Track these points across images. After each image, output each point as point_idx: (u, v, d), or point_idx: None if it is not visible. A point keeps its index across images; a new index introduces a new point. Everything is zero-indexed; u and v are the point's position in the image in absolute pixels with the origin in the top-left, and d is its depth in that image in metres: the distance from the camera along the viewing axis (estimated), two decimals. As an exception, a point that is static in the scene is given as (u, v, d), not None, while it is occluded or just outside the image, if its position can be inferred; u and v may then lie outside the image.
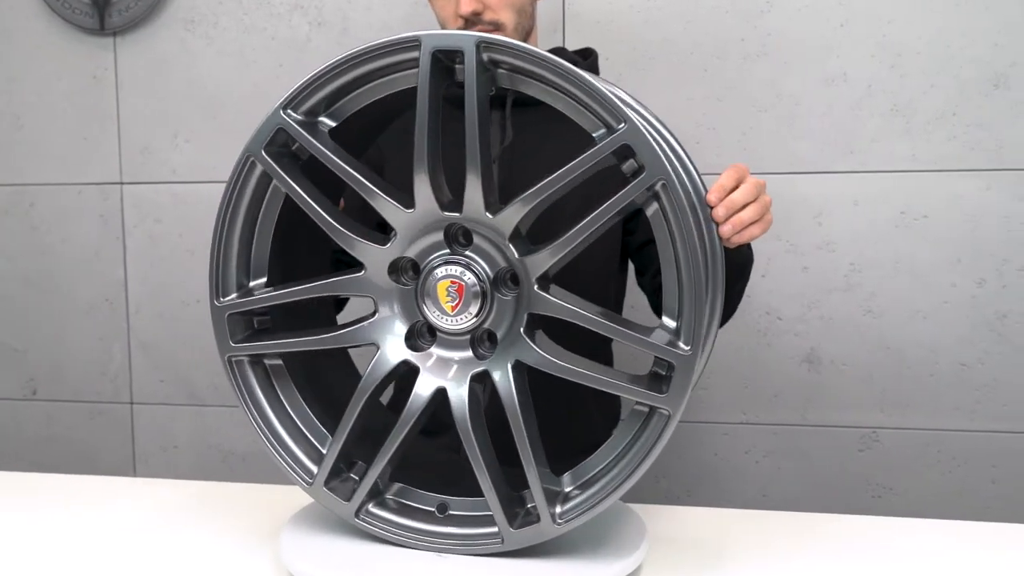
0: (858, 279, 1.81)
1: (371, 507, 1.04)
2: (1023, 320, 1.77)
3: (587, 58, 1.45)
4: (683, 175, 0.91)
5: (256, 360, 1.07)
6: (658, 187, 0.90)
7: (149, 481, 1.39)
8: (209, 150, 2.03)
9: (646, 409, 0.96)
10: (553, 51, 1.46)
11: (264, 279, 1.06)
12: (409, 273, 1.02)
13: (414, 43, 0.94)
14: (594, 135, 0.96)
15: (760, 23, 1.80)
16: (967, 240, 1.77)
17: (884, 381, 1.82)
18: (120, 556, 1.09)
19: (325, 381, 1.14)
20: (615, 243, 1.40)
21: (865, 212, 1.79)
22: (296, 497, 1.23)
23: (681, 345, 0.92)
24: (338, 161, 1.00)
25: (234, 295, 1.05)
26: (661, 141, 0.94)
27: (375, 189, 0.99)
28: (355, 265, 1.04)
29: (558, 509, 0.97)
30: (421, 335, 1.04)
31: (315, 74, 0.99)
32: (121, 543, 1.13)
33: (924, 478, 1.84)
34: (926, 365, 1.81)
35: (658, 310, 1.38)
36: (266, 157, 1.01)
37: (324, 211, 1.01)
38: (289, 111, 1.00)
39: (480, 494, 1.00)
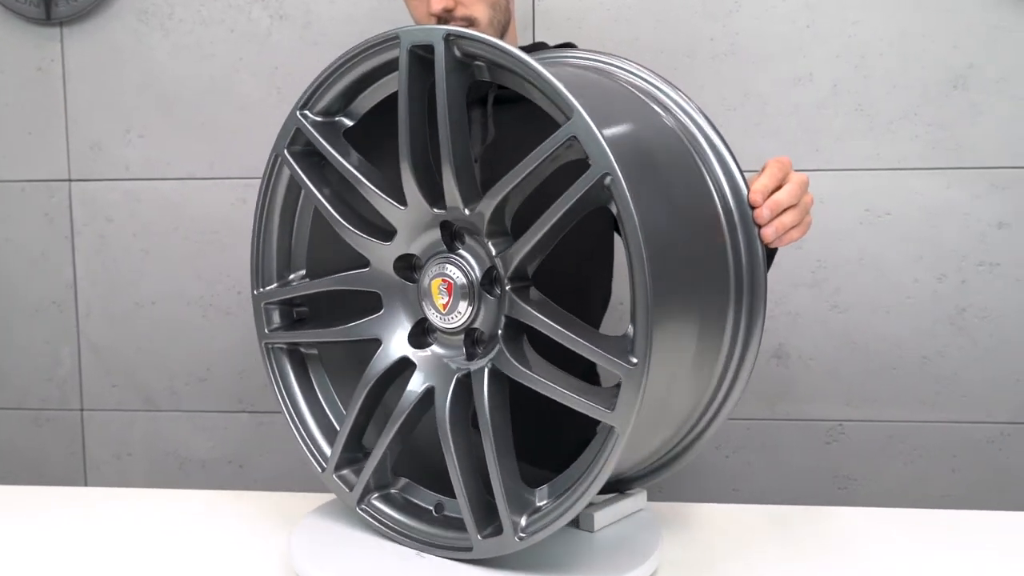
0: (824, 275, 1.84)
1: (375, 499, 1.04)
2: (981, 314, 1.83)
3: None
4: (722, 176, 0.91)
5: (293, 348, 1.11)
6: (607, 182, 0.81)
7: (134, 491, 1.33)
8: (164, 146, 1.96)
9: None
10: (533, 46, 1.45)
11: (303, 271, 1.11)
12: (416, 270, 1.02)
13: (394, 40, 0.93)
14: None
15: (729, 23, 1.82)
16: (928, 237, 1.82)
17: (850, 375, 1.86)
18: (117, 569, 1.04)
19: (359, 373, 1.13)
20: (600, 237, 1.40)
21: (831, 210, 1.82)
22: (294, 504, 1.21)
23: (631, 358, 0.82)
24: (339, 158, 1.00)
25: (274, 286, 1.10)
26: (701, 136, 0.94)
27: (371, 187, 0.98)
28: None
29: (524, 521, 0.92)
30: (428, 331, 1.03)
31: (320, 76, 1.00)
32: (117, 554, 1.08)
33: (887, 469, 1.88)
34: (890, 359, 1.85)
35: None
36: (288, 156, 1.03)
37: (331, 207, 1.01)
38: (305, 111, 1.02)
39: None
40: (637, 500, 1.08)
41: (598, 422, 0.89)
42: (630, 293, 0.83)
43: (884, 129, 1.81)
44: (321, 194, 1.02)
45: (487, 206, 0.90)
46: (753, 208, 0.97)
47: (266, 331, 1.11)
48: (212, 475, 2.04)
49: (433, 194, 0.95)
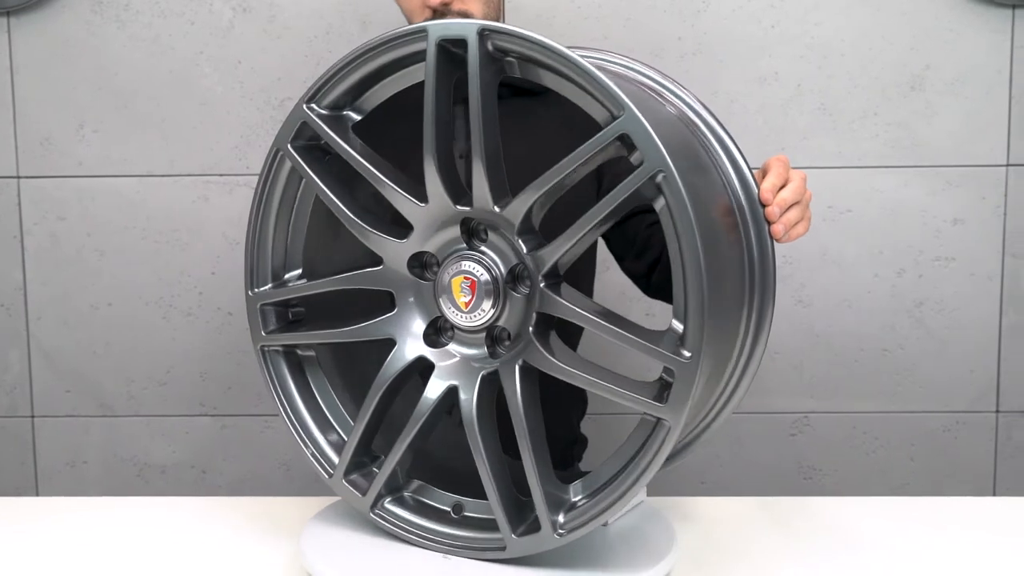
0: (790, 271, 1.89)
1: (388, 503, 1.03)
2: (937, 308, 1.89)
3: None
4: (731, 171, 0.92)
5: (289, 351, 1.08)
6: (659, 179, 0.84)
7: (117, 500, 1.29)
8: (119, 142, 1.89)
9: (651, 418, 0.90)
10: None
11: (299, 271, 1.07)
12: (434, 268, 1.00)
13: (421, 34, 0.92)
14: (604, 125, 0.94)
15: (697, 22, 1.84)
16: (888, 233, 1.88)
17: (814, 368, 1.91)
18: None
19: (359, 373, 1.10)
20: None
21: (796, 206, 1.86)
22: (281, 509, 1.19)
23: (683, 351, 0.84)
24: (353, 154, 0.98)
25: (268, 286, 1.06)
26: (708, 131, 0.95)
27: (388, 182, 0.96)
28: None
29: (561, 518, 0.93)
30: (442, 331, 1.01)
31: (331, 69, 0.97)
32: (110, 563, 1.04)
33: (850, 459, 1.94)
34: (852, 352, 1.91)
35: (656, 293, 1.38)
36: (291, 151, 0.99)
37: (342, 204, 0.99)
38: (312, 105, 0.98)
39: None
40: (639, 492, 1.09)
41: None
42: (677, 289, 0.84)
43: (846, 128, 1.86)
44: (331, 191, 1.00)
45: (522, 204, 0.90)
46: (764, 206, 0.99)
47: (263, 333, 1.07)
48: (173, 481, 1.98)
49: (456, 191, 0.94)
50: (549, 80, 0.92)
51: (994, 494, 1.92)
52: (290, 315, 1.09)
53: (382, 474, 1.00)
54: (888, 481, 1.93)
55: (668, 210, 0.83)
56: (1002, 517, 1.15)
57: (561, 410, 1.42)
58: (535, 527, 0.93)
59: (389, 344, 1.01)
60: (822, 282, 1.89)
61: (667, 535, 1.02)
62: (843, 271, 1.89)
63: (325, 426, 1.08)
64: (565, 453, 1.46)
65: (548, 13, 1.84)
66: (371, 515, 1.02)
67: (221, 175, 1.90)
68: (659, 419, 0.87)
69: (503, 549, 0.94)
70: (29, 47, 1.87)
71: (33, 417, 1.96)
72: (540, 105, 1.34)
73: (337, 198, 0.99)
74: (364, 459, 1.05)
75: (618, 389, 0.87)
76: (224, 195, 1.90)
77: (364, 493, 1.02)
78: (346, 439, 1.04)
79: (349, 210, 0.99)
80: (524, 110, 1.34)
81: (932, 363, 1.91)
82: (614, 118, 0.85)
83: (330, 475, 1.04)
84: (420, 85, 0.94)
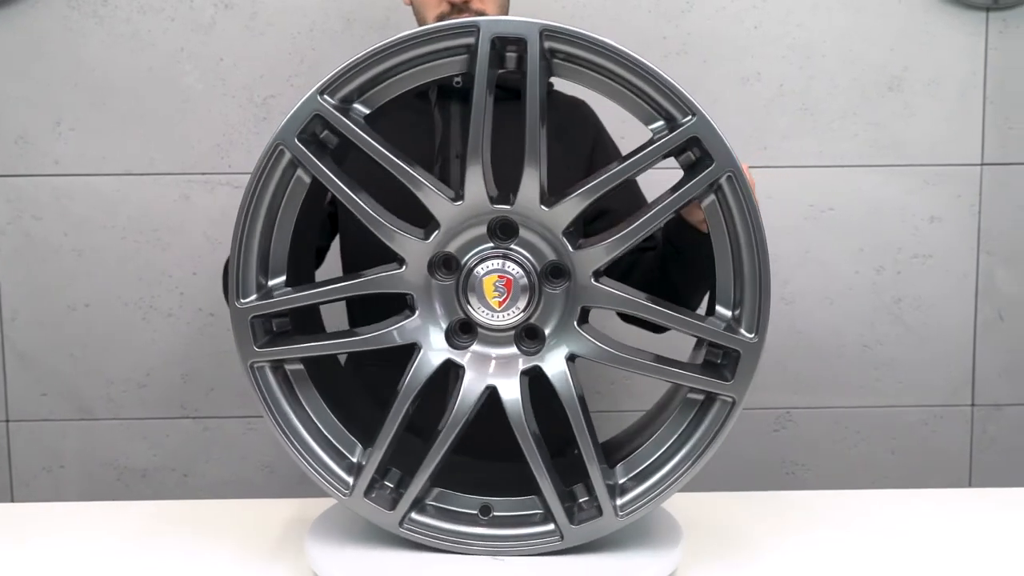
0: (774, 268, 1.89)
1: (413, 514, 1.00)
2: (915, 304, 1.93)
3: None
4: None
5: (276, 366, 0.99)
6: (723, 180, 0.93)
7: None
8: (97, 140, 1.85)
9: (700, 398, 0.98)
10: None
11: (283, 278, 0.99)
12: (442, 269, 0.98)
13: (471, 29, 0.91)
14: (649, 127, 0.96)
15: (681, 22, 1.86)
16: (868, 231, 1.91)
17: (796, 364, 1.94)
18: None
19: (341, 384, 1.09)
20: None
21: (778, 205, 1.89)
22: (273, 511, 1.17)
23: (744, 332, 0.95)
24: (382, 150, 0.95)
25: (254, 296, 0.97)
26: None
27: (421, 179, 0.95)
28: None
29: (618, 502, 0.97)
30: (459, 333, 1.00)
31: (360, 57, 0.93)
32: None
33: (832, 453, 1.97)
34: (833, 347, 1.94)
35: (631, 318, 1.39)
36: (300, 146, 0.94)
37: (363, 202, 0.96)
38: (325, 96, 0.94)
39: (521, 493, 1.00)
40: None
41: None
42: (724, 280, 0.96)
43: (826, 128, 1.89)
44: (347, 187, 0.96)
45: (574, 206, 0.93)
46: None
47: (254, 348, 0.97)
48: (154, 485, 1.94)
49: (494, 190, 0.94)
50: (587, 81, 0.95)
51: (970, 485, 1.97)
52: (274, 326, 1.01)
53: (414, 487, 0.97)
54: (869, 474, 1.96)
55: (725, 208, 0.94)
56: (978, 508, 1.18)
57: (554, 408, 1.42)
58: (589, 514, 0.96)
59: (382, 352, 0.98)
60: (804, 279, 1.92)
61: (673, 531, 1.04)
62: (825, 268, 1.92)
63: (323, 441, 1.01)
64: (563, 451, 1.46)
65: (533, 12, 1.84)
66: (401, 530, 0.98)
67: (203, 174, 1.87)
68: (711, 397, 0.96)
69: (560, 539, 0.96)
70: (4, 43, 1.82)
71: (8, 421, 1.92)
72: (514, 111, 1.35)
73: (356, 195, 0.96)
74: (374, 474, 1.00)
75: (678, 371, 0.95)
76: (206, 194, 1.87)
77: (389, 507, 0.98)
78: (347, 453, 1.00)
79: (370, 208, 0.95)
80: (516, 113, 1.35)
81: (910, 358, 1.94)
82: (671, 121, 0.93)
83: (346, 495, 0.99)
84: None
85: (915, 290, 1.93)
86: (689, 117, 0.92)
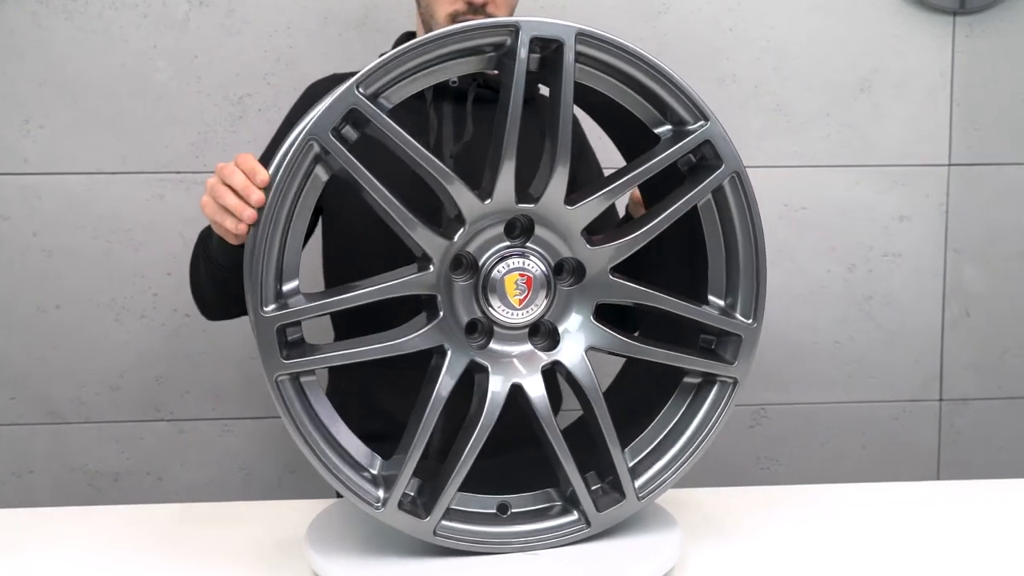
0: (748, 267, 1.94)
1: (443, 521, 0.98)
2: (885, 301, 1.98)
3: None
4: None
5: (294, 378, 0.95)
6: (726, 180, 0.99)
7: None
8: (68, 138, 1.82)
9: (696, 381, 1.04)
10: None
11: (296, 283, 0.94)
12: (460, 268, 0.97)
13: (511, 28, 0.92)
14: (656, 131, 0.99)
15: (658, 23, 1.88)
16: (839, 230, 1.95)
17: (771, 361, 1.97)
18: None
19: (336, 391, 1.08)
20: None
21: (753, 204, 1.91)
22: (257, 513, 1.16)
23: (740, 318, 1.02)
24: (417, 146, 0.92)
25: (274, 304, 0.92)
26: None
27: (453, 175, 0.93)
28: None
29: (636, 484, 1.01)
30: (480, 331, 0.99)
31: (397, 51, 0.91)
32: None
33: (805, 448, 2.00)
34: (806, 345, 1.97)
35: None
36: (334, 140, 0.90)
37: (396, 201, 0.92)
38: (360, 90, 0.90)
39: (534, 487, 1.02)
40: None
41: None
42: (717, 271, 1.03)
43: (800, 128, 1.92)
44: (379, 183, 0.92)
45: (598, 205, 0.96)
46: None
47: (282, 360, 0.91)
48: (127, 489, 1.91)
49: (521, 189, 0.95)
50: (602, 84, 0.98)
51: (938, 478, 2.02)
52: (287, 335, 0.95)
53: (447, 493, 0.95)
54: (840, 469, 2.00)
55: (723, 206, 1.01)
56: (946, 500, 1.22)
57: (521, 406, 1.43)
58: (611, 499, 0.99)
59: (418, 355, 0.96)
60: (778, 277, 1.95)
61: (671, 528, 1.05)
62: (798, 267, 1.95)
63: (343, 455, 0.97)
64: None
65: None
66: (436, 538, 0.96)
67: (177, 172, 1.84)
68: (709, 380, 1.03)
69: (587, 527, 0.99)
70: (-31, 38, 1.78)
71: (-26, 426, 1.87)
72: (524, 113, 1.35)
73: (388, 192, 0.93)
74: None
75: (685, 356, 1.01)
76: (180, 193, 1.84)
77: (423, 516, 0.95)
78: (365, 466, 0.98)
79: (403, 205, 0.93)
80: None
81: (880, 354, 1.99)
82: (681, 125, 0.98)
83: (378, 507, 0.95)
84: None
85: (885, 288, 1.97)
86: (702, 122, 0.98)
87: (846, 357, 1.98)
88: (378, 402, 1.31)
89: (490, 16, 1.30)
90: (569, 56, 0.92)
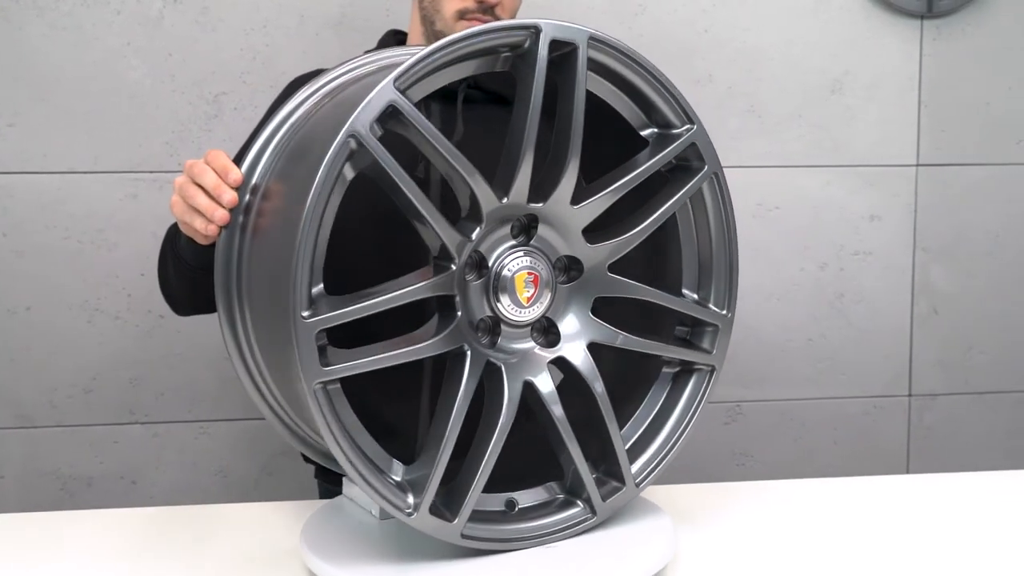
0: (723, 266, 1.96)
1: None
2: (856, 298, 2.01)
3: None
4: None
5: (323, 385, 0.90)
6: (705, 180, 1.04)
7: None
8: (39, 136, 1.79)
9: (674, 371, 1.08)
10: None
11: (321, 286, 0.90)
12: (471, 267, 0.96)
13: (531, 29, 0.92)
14: (642, 133, 1.01)
15: (634, 24, 1.90)
16: (812, 229, 1.99)
17: (745, 358, 2.00)
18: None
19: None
20: None
21: (727, 204, 1.94)
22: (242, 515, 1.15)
23: (714, 308, 1.07)
24: (446, 141, 0.91)
25: (308, 308, 0.87)
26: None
27: (476, 170, 0.92)
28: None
29: (633, 469, 1.04)
30: (487, 330, 0.99)
31: (431, 49, 0.89)
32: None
33: (779, 444, 2.04)
34: (780, 342, 2.01)
35: None
36: (372, 138, 0.87)
37: (424, 195, 0.91)
38: (396, 87, 0.87)
39: (537, 483, 1.03)
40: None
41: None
42: (690, 265, 1.09)
43: (773, 129, 1.95)
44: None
45: (602, 203, 0.97)
46: None
47: (322, 367, 0.87)
48: (100, 494, 1.88)
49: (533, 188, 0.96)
50: (596, 87, 0.99)
51: (907, 472, 2.06)
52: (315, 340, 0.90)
53: (473, 494, 0.94)
54: (813, 464, 2.04)
55: (698, 203, 1.05)
56: (915, 493, 1.24)
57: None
58: (616, 486, 1.02)
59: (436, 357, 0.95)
60: (752, 276, 1.98)
61: (664, 525, 1.06)
62: (771, 265, 1.98)
63: (366, 462, 0.94)
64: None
65: (490, 12, 1.85)
66: (463, 541, 0.95)
67: (151, 172, 1.82)
68: (687, 369, 1.07)
69: (593, 516, 1.01)
70: (-64, 34, 1.74)
71: (-58, 431, 1.83)
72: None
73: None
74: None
75: (673, 347, 1.05)
76: (154, 192, 1.82)
77: (450, 519, 0.94)
78: (386, 470, 0.95)
79: (432, 205, 0.91)
80: (500, 118, 1.35)
81: (851, 351, 2.03)
82: (667, 128, 1.02)
83: (410, 514, 0.92)
84: None
85: (856, 286, 2.01)
86: (689, 126, 1.01)
87: (818, 354, 2.02)
88: (366, 406, 1.30)
89: (497, 16, 1.30)
90: (583, 58, 0.93)
